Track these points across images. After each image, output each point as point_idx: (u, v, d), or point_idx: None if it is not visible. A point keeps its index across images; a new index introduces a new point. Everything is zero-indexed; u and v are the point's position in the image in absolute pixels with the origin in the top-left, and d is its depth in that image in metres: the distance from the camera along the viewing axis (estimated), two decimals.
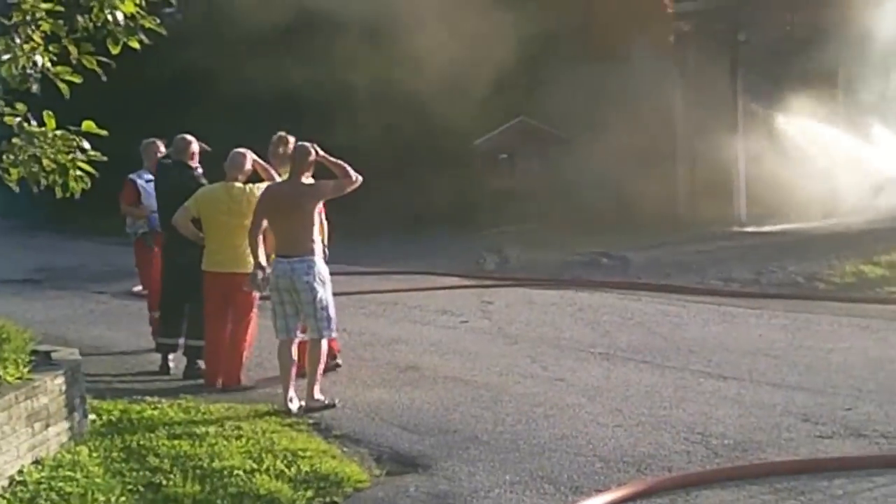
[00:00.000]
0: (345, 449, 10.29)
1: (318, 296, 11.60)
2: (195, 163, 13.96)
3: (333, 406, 11.59)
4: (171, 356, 13.94)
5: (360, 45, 28.05)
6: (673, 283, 19.82)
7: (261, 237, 12.00)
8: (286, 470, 9.44)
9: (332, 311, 11.75)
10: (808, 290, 18.70)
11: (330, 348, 12.32)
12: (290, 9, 27.83)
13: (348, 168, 11.77)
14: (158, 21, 9.58)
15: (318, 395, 11.64)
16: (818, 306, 17.30)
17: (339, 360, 13.17)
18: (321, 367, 11.79)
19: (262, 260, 11.90)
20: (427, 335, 15.80)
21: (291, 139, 12.70)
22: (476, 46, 25.61)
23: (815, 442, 10.06)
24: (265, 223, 11.96)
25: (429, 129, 27.40)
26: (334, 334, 12.08)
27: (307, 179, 11.91)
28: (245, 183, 12.99)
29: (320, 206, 12.23)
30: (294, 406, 11.54)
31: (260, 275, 11.85)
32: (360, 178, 11.81)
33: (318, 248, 11.83)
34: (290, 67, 29.04)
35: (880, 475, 9.06)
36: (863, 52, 24.60)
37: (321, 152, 11.91)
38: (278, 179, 12.82)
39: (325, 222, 13.36)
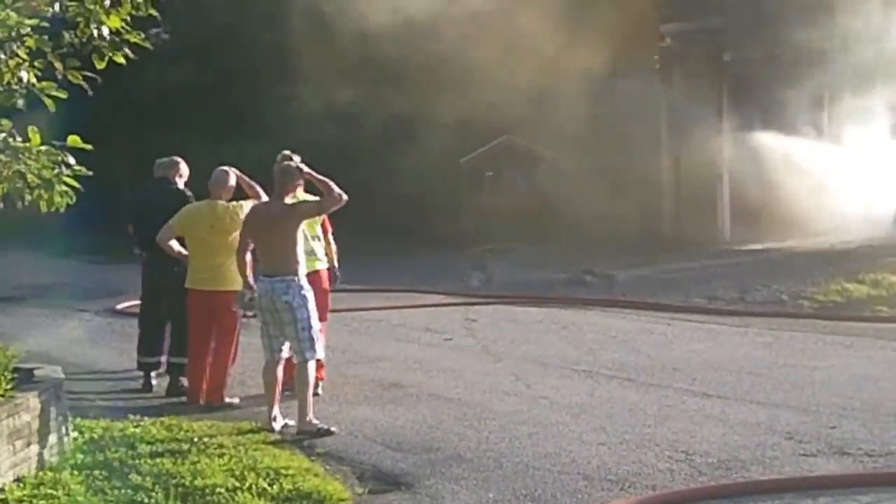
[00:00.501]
0: (327, 467, 10.25)
1: (299, 316, 11.46)
2: (180, 182, 13.95)
3: (330, 433, 11.30)
4: (153, 374, 13.88)
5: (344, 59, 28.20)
6: (657, 301, 19.84)
7: (249, 256, 11.97)
8: (268, 488, 9.39)
9: (314, 333, 11.59)
10: (793, 309, 18.74)
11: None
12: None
13: (333, 186, 11.59)
14: (143, 36, 9.57)
15: (312, 419, 11.47)
16: (803, 324, 17.36)
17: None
18: (310, 390, 11.64)
19: (251, 279, 11.85)
20: (411, 353, 15.79)
21: (297, 158, 12.58)
22: (469, 64, 25.69)
23: (800, 460, 10.05)
24: (251, 243, 11.91)
25: (414, 147, 27.44)
26: (320, 355, 11.94)
27: (291, 199, 11.86)
28: (230, 200, 12.97)
29: (317, 225, 12.18)
30: (277, 425, 11.48)
31: (248, 294, 11.81)
32: (346, 197, 11.62)
33: (302, 268, 11.68)
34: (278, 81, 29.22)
35: (864, 493, 9.06)
36: (848, 73, 24.66)
37: (306, 169, 11.85)
38: (262, 195, 12.81)
39: (332, 242, 13.37)
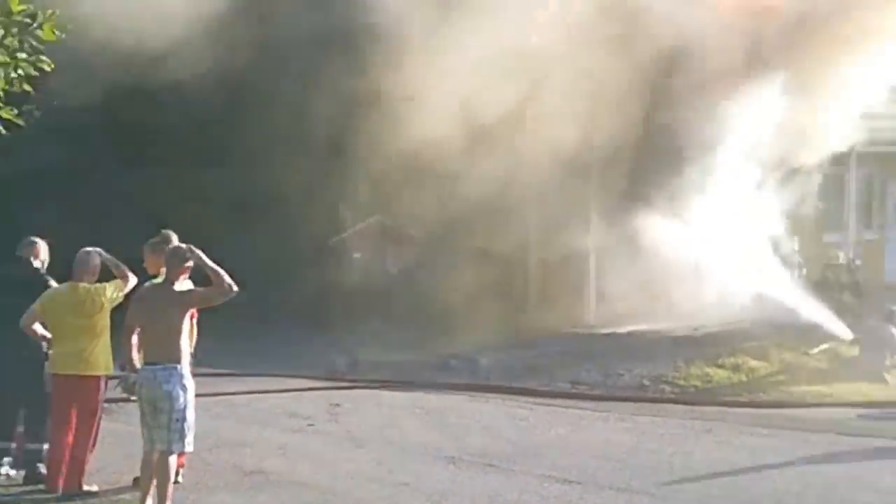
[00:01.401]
0: None
1: (176, 406, 11.24)
2: (36, 262, 13.67)
3: None
4: (5, 460, 13.52)
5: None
6: (521, 385, 19.97)
7: (135, 339, 11.73)
8: None
9: (187, 426, 11.35)
10: (654, 393, 19.00)
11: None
12: None
13: (224, 276, 11.31)
14: (16, 112, 9.53)
15: None
16: (663, 409, 17.61)
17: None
18: (171, 481, 11.41)
19: (137, 364, 11.61)
20: (274, 438, 15.70)
21: (174, 237, 12.43)
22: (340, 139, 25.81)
23: None
24: (137, 327, 11.65)
25: (285, 228, 27.40)
26: (188, 449, 11.61)
27: (181, 285, 11.60)
28: (95, 282, 12.82)
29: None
30: None
31: (132, 377, 11.59)
32: (236, 288, 11.34)
33: (186, 357, 11.52)
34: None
35: None
36: (714, 153, 25.02)
37: (198, 253, 11.48)
38: (130, 276, 12.68)
39: (195, 327, 13.05)
